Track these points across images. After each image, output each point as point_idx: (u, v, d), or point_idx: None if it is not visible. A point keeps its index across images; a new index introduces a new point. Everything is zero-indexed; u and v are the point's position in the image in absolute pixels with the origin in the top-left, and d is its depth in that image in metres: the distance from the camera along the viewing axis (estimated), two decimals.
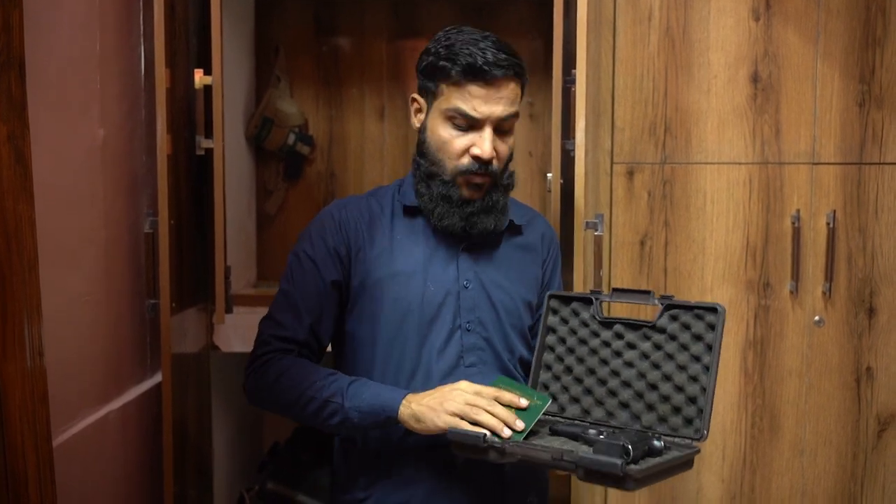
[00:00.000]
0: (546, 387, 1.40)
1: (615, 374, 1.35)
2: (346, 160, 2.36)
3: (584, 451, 1.18)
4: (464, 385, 1.28)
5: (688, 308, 1.30)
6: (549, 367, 1.41)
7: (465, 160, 1.36)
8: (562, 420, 1.35)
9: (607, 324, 1.37)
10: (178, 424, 1.71)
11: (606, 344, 1.36)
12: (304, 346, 1.40)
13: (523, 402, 1.26)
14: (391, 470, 1.40)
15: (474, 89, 1.33)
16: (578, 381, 1.37)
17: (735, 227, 2.06)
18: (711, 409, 1.26)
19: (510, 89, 1.35)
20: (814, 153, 2.04)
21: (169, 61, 1.65)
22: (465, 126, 1.36)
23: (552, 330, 1.42)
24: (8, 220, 1.05)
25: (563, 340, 1.40)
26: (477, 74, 1.33)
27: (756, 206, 2.05)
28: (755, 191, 2.05)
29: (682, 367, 1.29)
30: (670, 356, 1.31)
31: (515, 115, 1.38)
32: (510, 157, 1.43)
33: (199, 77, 1.76)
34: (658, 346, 1.32)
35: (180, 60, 1.74)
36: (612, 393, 1.34)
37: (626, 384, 1.33)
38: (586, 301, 1.39)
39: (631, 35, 2.04)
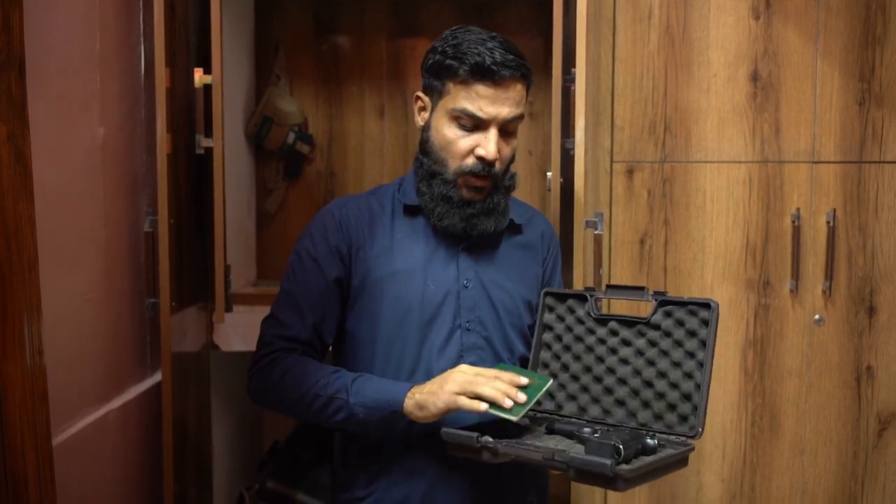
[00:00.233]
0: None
1: (611, 371, 1.35)
2: (346, 159, 2.36)
3: (575, 451, 1.18)
4: (464, 367, 1.29)
5: (681, 304, 1.31)
6: (545, 365, 1.41)
7: (469, 160, 1.36)
8: (558, 418, 1.35)
9: (602, 321, 1.37)
10: (178, 423, 1.71)
11: (602, 341, 1.36)
12: (307, 346, 1.40)
13: (523, 380, 1.26)
14: (391, 468, 1.40)
15: (481, 89, 1.33)
16: (575, 378, 1.38)
17: (735, 225, 2.06)
18: (706, 406, 1.26)
19: (517, 90, 1.35)
20: (814, 152, 2.04)
21: (169, 60, 1.65)
22: (471, 126, 1.35)
23: (548, 327, 1.42)
24: (8, 220, 1.05)
25: (559, 338, 1.40)
26: (485, 74, 1.32)
27: (756, 205, 2.05)
28: (755, 189, 2.05)
29: (676, 364, 1.29)
30: (665, 353, 1.31)
31: (520, 117, 1.38)
32: (512, 159, 1.42)
33: (198, 76, 1.76)
34: (653, 343, 1.32)
35: (180, 59, 1.74)
36: (608, 390, 1.34)
37: (622, 381, 1.33)
38: (581, 298, 1.39)
39: (631, 34, 2.04)
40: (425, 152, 1.41)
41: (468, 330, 1.41)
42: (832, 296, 2.04)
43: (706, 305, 1.28)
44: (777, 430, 2.07)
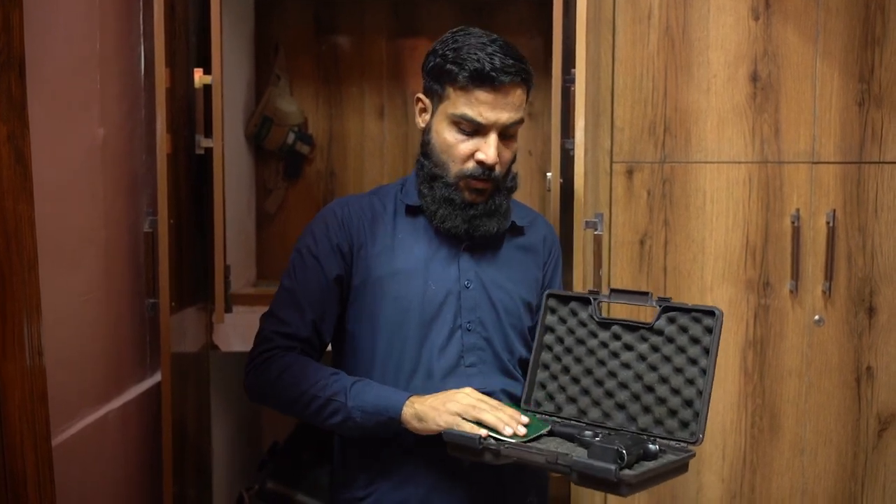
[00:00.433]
0: (543, 386, 1.40)
1: (612, 375, 1.34)
2: (346, 159, 2.36)
3: (578, 454, 1.18)
4: (468, 390, 1.30)
5: (685, 311, 1.30)
6: (546, 367, 1.41)
7: (470, 165, 1.37)
8: (558, 420, 1.35)
9: (605, 324, 1.37)
10: (178, 424, 1.71)
11: (604, 345, 1.36)
12: (306, 343, 1.40)
13: (524, 419, 1.27)
14: (391, 469, 1.40)
15: (481, 95, 1.33)
16: (575, 381, 1.37)
17: (735, 226, 2.06)
18: (707, 413, 1.26)
19: (516, 95, 1.35)
20: (813, 152, 2.04)
21: (169, 61, 1.65)
22: (471, 131, 1.36)
23: (550, 329, 1.41)
24: (8, 220, 1.05)
25: (560, 340, 1.40)
26: (484, 80, 1.32)
27: (756, 206, 2.05)
28: (755, 190, 2.05)
29: (679, 370, 1.29)
30: (667, 358, 1.30)
31: (521, 122, 1.38)
32: (513, 160, 1.42)
33: (198, 76, 1.76)
34: (655, 349, 1.32)
35: (180, 60, 1.74)
36: (609, 394, 1.34)
37: (623, 386, 1.33)
38: (584, 301, 1.39)
39: (630, 34, 2.04)
40: (426, 155, 1.41)
41: (469, 330, 1.41)
42: (832, 296, 2.04)
43: (710, 313, 1.28)
44: (777, 430, 2.07)
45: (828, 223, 2.02)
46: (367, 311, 1.41)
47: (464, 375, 1.39)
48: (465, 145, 1.36)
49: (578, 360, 1.38)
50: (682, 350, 1.30)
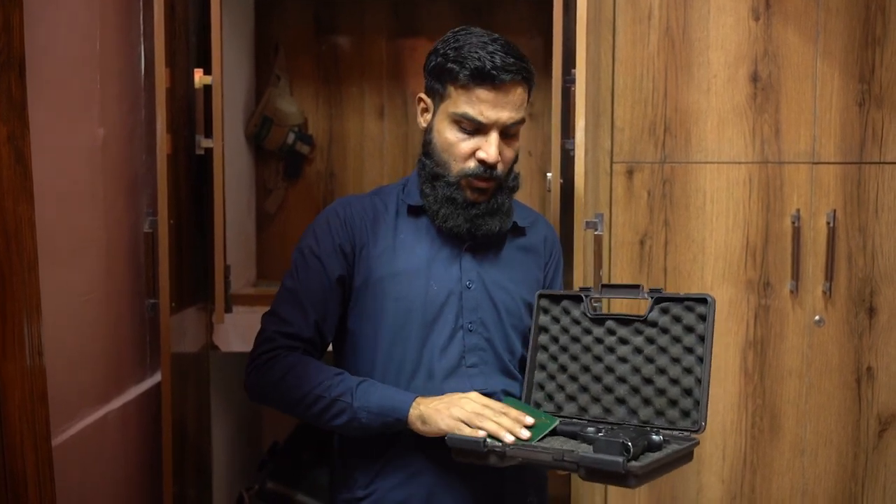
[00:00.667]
0: (542, 386, 1.40)
1: (609, 370, 1.35)
2: (346, 159, 2.36)
3: (584, 450, 1.18)
4: (474, 395, 1.30)
5: (678, 300, 1.31)
6: (543, 367, 1.41)
7: (471, 164, 1.37)
8: (559, 419, 1.35)
9: (599, 320, 1.37)
10: (178, 424, 1.71)
11: (599, 340, 1.36)
12: (308, 343, 1.39)
13: (529, 420, 1.27)
14: (390, 469, 1.40)
15: (482, 93, 1.33)
16: (573, 379, 1.37)
17: (735, 226, 2.06)
18: (708, 400, 1.26)
19: (517, 94, 1.35)
20: (814, 152, 2.04)
21: (169, 61, 1.65)
22: (472, 129, 1.36)
23: (544, 329, 1.42)
24: (8, 221, 1.05)
25: (555, 339, 1.40)
26: (485, 78, 1.32)
27: (756, 206, 2.05)
28: (755, 190, 2.05)
29: (675, 360, 1.29)
30: (663, 349, 1.31)
31: (522, 122, 1.38)
32: (515, 160, 1.42)
33: (198, 76, 1.76)
34: (651, 340, 1.32)
35: (180, 60, 1.74)
36: (608, 389, 1.34)
37: (622, 380, 1.33)
38: (576, 299, 1.39)
39: (630, 34, 2.04)
40: (428, 154, 1.41)
41: (470, 331, 1.41)
42: (832, 297, 2.04)
43: (703, 300, 1.28)
44: (777, 430, 2.07)
45: (828, 223, 2.02)
46: (369, 312, 1.41)
47: (465, 376, 1.39)
48: (467, 144, 1.36)
49: (574, 358, 1.38)
50: (677, 340, 1.30)
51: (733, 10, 2.03)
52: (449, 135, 1.37)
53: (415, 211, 1.44)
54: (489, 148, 1.35)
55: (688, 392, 1.28)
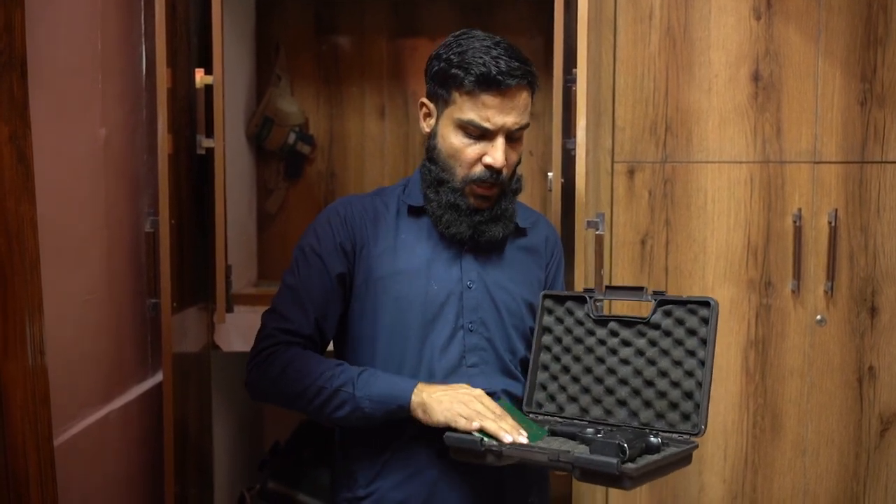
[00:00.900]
0: (544, 387, 1.41)
1: (611, 371, 1.35)
2: (347, 159, 2.36)
3: (580, 451, 1.18)
4: (479, 393, 1.30)
5: (680, 303, 1.31)
6: (546, 367, 1.41)
7: (477, 169, 1.37)
8: (560, 420, 1.35)
9: (602, 321, 1.37)
10: (179, 424, 1.71)
11: (602, 342, 1.36)
12: (308, 341, 1.40)
13: (524, 433, 1.26)
14: (391, 468, 1.40)
15: (488, 99, 1.33)
16: (575, 380, 1.38)
17: (736, 226, 2.06)
18: (708, 404, 1.26)
19: (522, 98, 1.36)
20: (815, 152, 2.04)
21: (170, 61, 1.65)
22: (478, 135, 1.36)
23: (548, 330, 1.42)
24: (10, 220, 1.05)
25: (558, 340, 1.40)
26: (491, 84, 1.32)
27: (757, 205, 2.05)
28: (756, 190, 2.05)
29: (677, 363, 1.29)
30: (665, 352, 1.31)
31: (526, 126, 1.39)
32: (518, 163, 1.43)
33: (199, 76, 1.76)
34: (653, 343, 1.32)
35: (181, 60, 1.74)
36: (610, 391, 1.34)
37: (623, 382, 1.33)
38: (580, 300, 1.39)
39: (632, 34, 2.04)
40: (432, 159, 1.41)
41: (470, 331, 1.41)
42: (834, 296, 2.04)
43: (706, 304, 1.28)
44: (779, 430, 2.07)
45: (829, 223, 2.02)
46: (369, 311, 1.41)
47: (465, 376, 1.39)
48: (473, 149, 1.36)
49: (577, 359, 1.38)
50: (679, 343, 1.30)
51: (734, 9, 2.03)
52: (454, 140, 1.37)
53: (416, 211, 1.44)
54: (495, 153, 1.35)
55: (689, 395, 1.27)
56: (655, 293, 1.33)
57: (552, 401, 1.39)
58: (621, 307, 1.91)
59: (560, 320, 1.41)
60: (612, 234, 2.07)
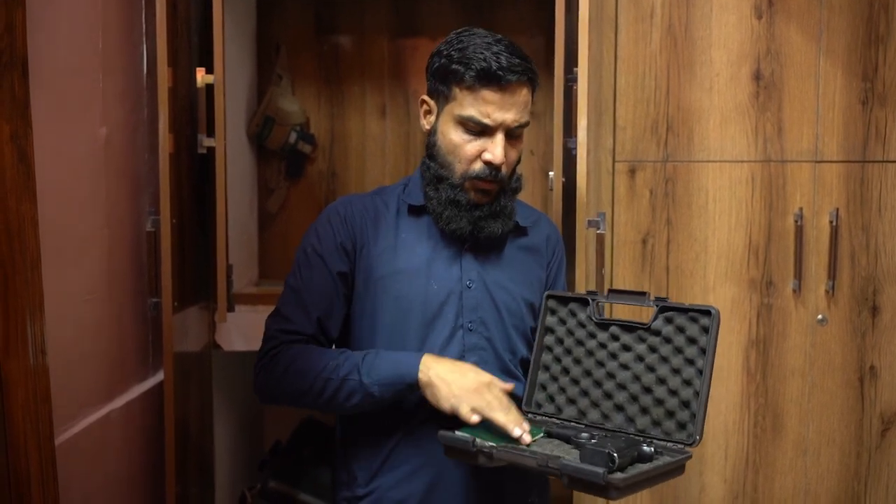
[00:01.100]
0: (544, 387, 1.40)
1: (611, 376, 1.34)
2: (348, 158, 2.36)
3: (569, 458, 1.18)
4: (487, 380, 1.29)
5: (682, 310, 1.30)
6: (546, 368, 1.41)
7: (477, 165, 1.37)
8: (557, 421, 1.35)
9: (604, 325, 1.36)
10: (180, 423, 1.71)
11: (602, 346, 1.36)
12: (311, 340, 1.39)
13: (525, 431, 1.27)
14: (391, 468, 1.40)
15: (488, 94, 1.33)
16: (575, 382, 1.37)
17: (737, 225, 2.05)
18: (705, 414, 1.24)
19: (523, 95, 1.36)
20: (816, 151, 2.04)
21: (171, 60, 1.65)
22: (478, 131, 1.36)
23: (550, 330, 1.41)
24: (11, 220, 1.05)
25: (560, 341, 1.40)
26: (491, 80, 1.32)
27: (758, 205, 2.05)
28: (757, 189, 2.05)
29: (676, 371, 1.28)
30: (665, 359, 1.30)
31: (526, 124, 1.38)
32: (518, 161, 1.42)
33: (200, 76, 1.76)
34: (653, 349, 1.31)
35: (182, 59, 1.74)
36: (608, 395, 1.34)
37: (622, 387, 1.33)
38: (583, 302, 1.39)
39: (633, 33, 2.04)
40: (432, 156, 1.41)
41: (470, 330, 1.41)
42: (835, 295, 2.04)
43: (707, 313, 1.27)
44: (780, 430, 2.07)
45: (831, 222, 2.02)
46: (369, 311, 1.41)
47: None
48: (472, 146, 1.36)
49: (578, 362, 1.38)
50: (679, 350, 1.29)
51: (736, 8, 2.02)
52: (454, 136, 1.37)
53: (416, 211, 1.44)
54: (495, 149, 1.35)
55: (686, 405, 1.26)
56: (658, 299, 1.32)
57: (551, 402, 1.39)
58: (624, 310, 1.91)
59: (563, 321, 1.41)
60: (614, 234, 2.06)
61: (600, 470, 1.11)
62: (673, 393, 1.28)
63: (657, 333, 1.31)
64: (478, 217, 1.38)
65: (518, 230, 1.48)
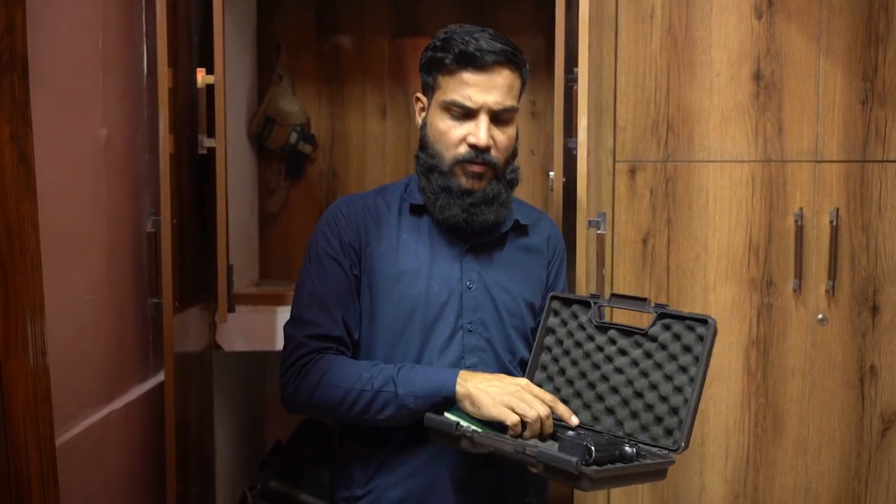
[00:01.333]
0: (540, 386, 1.41)
1: (605, 379, 1.34)
2: (348, 159, 2.36)
3: (545, 446, 1.19)
4: (524, 383, 1.30)
5: (680, 318, 1.30)
6: (544, 368, 1.41)
7: (462, 149, 1.38)
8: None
9: (603, 328, 1.37)
10: (181, 423, 1.71)
11: (600, 348, 1.36)
12: (339, 342, 1.39)
13: (574, 420, 1.30)
14: (389, 468, 1.40)
15: (468, 76, 1.35)
16: (570, 383, 1.38)
17: (738, 225, 2.05)
18: (693, 422, 1.24)
19: (504, 77, 1.36)
20: (817, 151, 2.04)
21: (171, 60, 1.65)
22: (462, 115, 1.37)
23: (551, 331, 1.42)
24: (11, 220, 1.05)
25: (560, 342, 1.41)
26: (469, 61, 1.34)
27: (759, 204, 2.05)
28: (758, 189, 2.05)
29: (668, 378, 1.29)
30: (659, 365, 1.30)
31: (512, 109, 1.38)
32: (514, 152, 1.43)
33: (201, 76, 1.76)
34: (648, 355, 1.32)
35: (182, 59, 1.74)
36: (600, 398, 1.34)
37: (614, 390, 1.33)
38: (585, 304, 1.39)
39: (633, 33, 2.04)
40: (423, 148, 1.43)
41: (470, 331, 1.41)
42: (835, 295, 2.04)
43: (703, 322, 1.27)
44: (780, 429, 2.07)
45: (831, 222, 2.02)
46: (370, 311, 1.41)
47: None
48: (457, 130, 1.38)
49: (574, 363, 1.38)
50: (673, 358, 1.29)
51: (736, 8, 2.02)
52: (440, 124, 1.39)
53: (417, 210, 1.45)
54: (478, 131, 1.36)
55: (675, 411, 1.26)
56: (658, 306, 1.32)
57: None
58: (624, 315, 1.91)
59: (564, 322, 1.41)
60: (614, 234, 2.06)
61: (574, 459, 1.12)
62: (663, 399, 1.28)
63: (654, 339, 1.32)
64: (470, 203, 1.38)
65: (519, 230, 1.48)
